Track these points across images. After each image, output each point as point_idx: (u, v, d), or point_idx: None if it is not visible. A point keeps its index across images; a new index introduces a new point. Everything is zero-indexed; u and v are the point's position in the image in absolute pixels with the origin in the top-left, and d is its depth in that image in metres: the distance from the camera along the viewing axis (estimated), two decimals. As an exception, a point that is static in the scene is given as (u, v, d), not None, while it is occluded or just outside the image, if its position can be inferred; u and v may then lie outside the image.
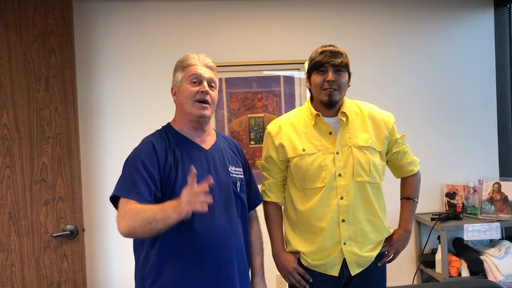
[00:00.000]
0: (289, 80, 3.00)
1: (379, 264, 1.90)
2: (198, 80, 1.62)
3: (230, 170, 1.67)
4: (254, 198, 1.84)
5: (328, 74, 1.76)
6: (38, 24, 2.35)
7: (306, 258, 1.84)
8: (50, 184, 2.34)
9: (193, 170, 1.41)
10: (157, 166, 1.53)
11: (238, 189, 1.68)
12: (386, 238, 1.91)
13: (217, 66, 1.75)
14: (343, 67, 1.78)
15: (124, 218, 1.45)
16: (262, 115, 2.98)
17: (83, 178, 2.46)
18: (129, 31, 2.86)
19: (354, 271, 1.82)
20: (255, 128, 2.98)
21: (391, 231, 1.95)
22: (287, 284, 1.93)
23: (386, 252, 1.93)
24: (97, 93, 2.83)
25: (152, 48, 2.88)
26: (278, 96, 3.00)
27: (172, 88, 1.70)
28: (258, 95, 2.98)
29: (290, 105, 2.99)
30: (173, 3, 2.89)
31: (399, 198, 2.05)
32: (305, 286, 1.85)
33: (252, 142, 2.97)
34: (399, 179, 2.06)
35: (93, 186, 2.80)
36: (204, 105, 1.60)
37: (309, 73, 1.85)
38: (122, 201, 1.49)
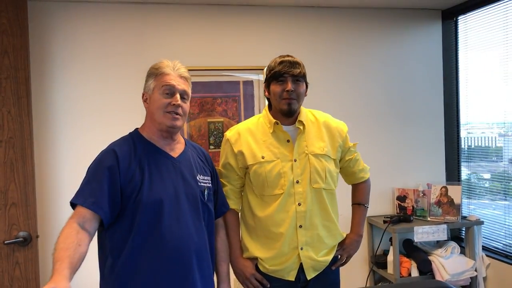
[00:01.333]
0: (249, 86, 3.04)
1: (333, 268, 1.97)
2: (170, 92, 1.58)
3: (198, 178, 1.67)
4: (221, 206, 1.84)
5: (287, 84, 1.81)
6: (-11, 23, 2.26)
7: (264, 264, 1.88)
8: (1, 189, 2.26)
9: None
10: (118, 174, 1.51)
11: (206, 198, 1.68)
12: (339, 243, 1.99)
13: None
14: (301, 77, 1.84)
15: (62, 230, 1.43)
16: (221, 119, 3.00)
17: (37, 183, 2.39)
18: (86, 32, 2.80)
19: (310, 275, 1.88)
20: (215, 132, 3.00)
21: (344, 235, 2.02)
22: (243, 288, 1.97)
23: (339, 256, 2.01)
24: (53, 95, 2.75)
25: (109, 51, 2.83)
26: (238, 101, 3.03)
27: (143, 94, 1.66)
28: (217, 100, 3.00)
29: (249, 110, 3.03)
30: (131, 5, 2.86)
31: (351, 204, 2.13)
32: (262, 291, 1.89)
33: (211, 147, 2.99)
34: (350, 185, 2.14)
35: (48, 191, 2.73)
36: (176, 115, 1.59)
37: (267, 83, 1.89)
38: (76, 210, 1.48)
